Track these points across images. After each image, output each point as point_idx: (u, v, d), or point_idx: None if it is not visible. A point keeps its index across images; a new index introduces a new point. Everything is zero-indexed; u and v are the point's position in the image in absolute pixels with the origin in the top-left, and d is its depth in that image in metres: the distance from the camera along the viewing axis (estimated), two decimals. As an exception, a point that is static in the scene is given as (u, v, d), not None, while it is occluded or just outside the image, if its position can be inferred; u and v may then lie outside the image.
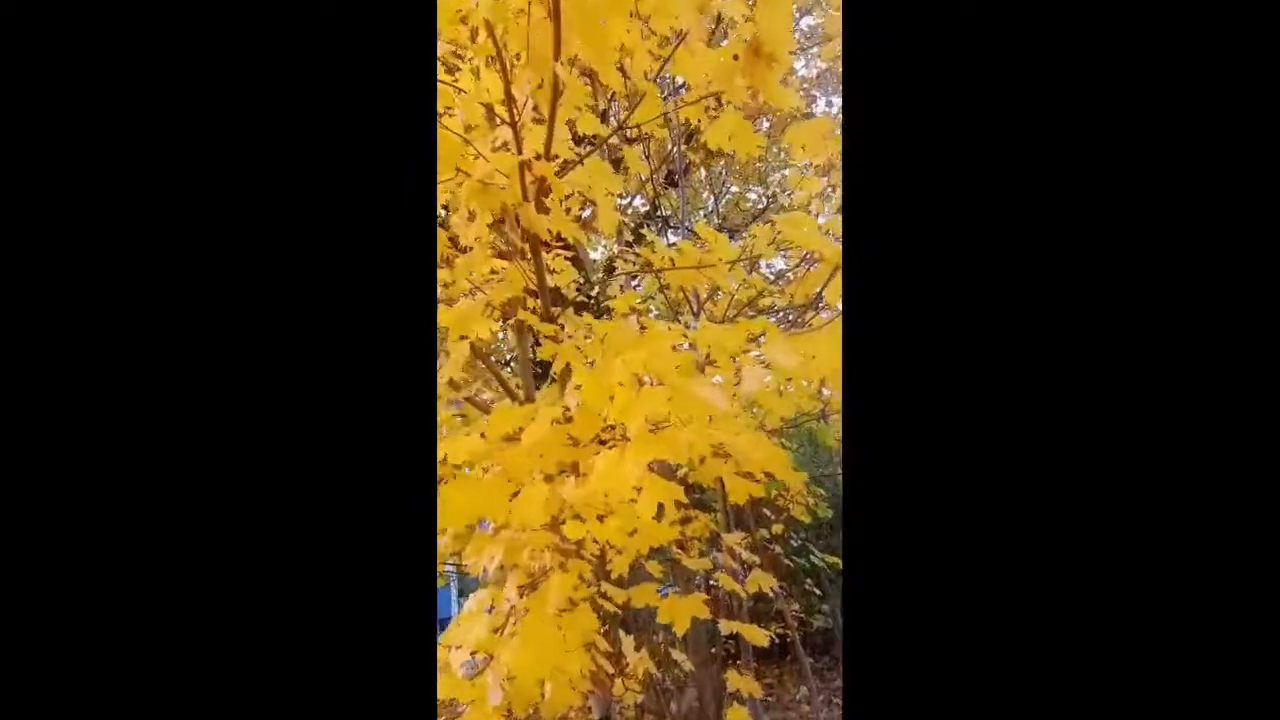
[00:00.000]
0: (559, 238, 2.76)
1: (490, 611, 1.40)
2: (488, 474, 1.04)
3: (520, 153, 1.17)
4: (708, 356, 1.21)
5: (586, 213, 3.38)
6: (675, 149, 2.93)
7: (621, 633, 1.54)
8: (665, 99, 2.73)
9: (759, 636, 1.28)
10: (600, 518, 1.01)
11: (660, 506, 0.87)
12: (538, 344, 1.54)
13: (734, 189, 6.19)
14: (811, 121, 1.20)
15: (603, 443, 1.21)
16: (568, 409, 1.05)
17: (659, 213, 3.28)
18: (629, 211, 3.47)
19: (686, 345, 1.45)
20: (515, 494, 1.02)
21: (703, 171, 5.52)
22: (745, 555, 2.22)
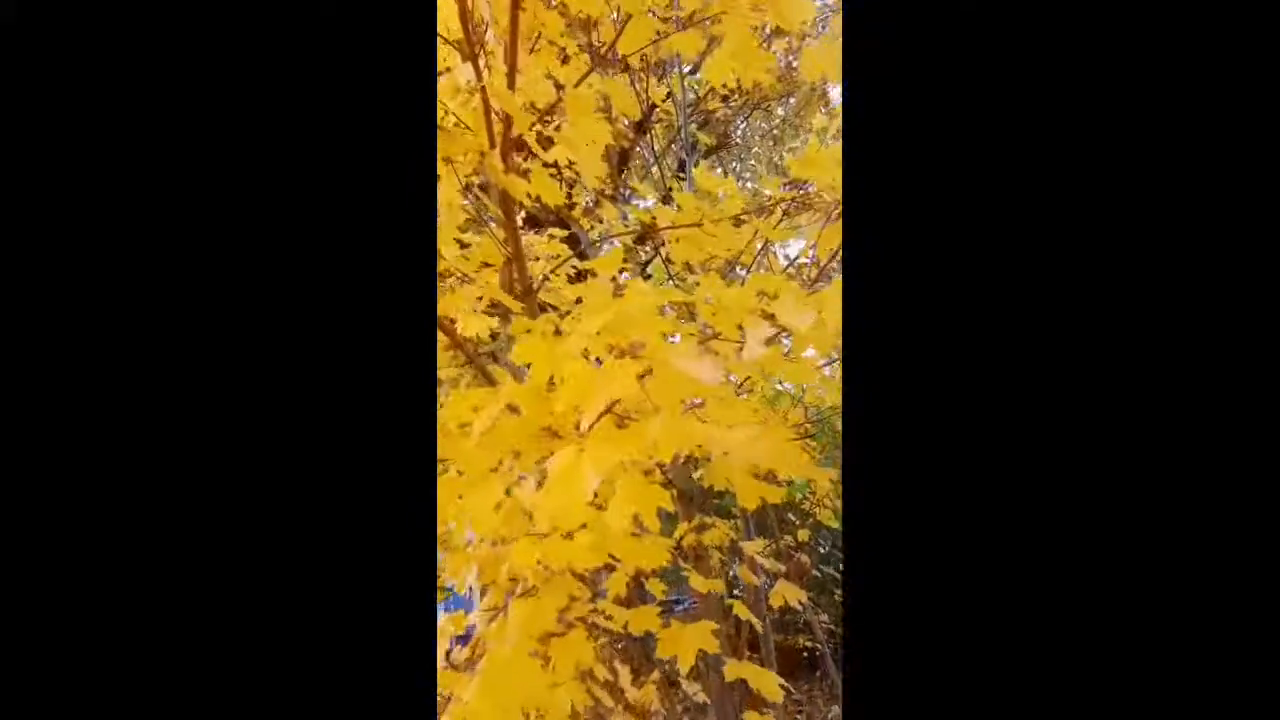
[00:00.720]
0: (556, 219, 2.56)
1: (463, 641, 1.20)
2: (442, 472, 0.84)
3: (481, 80, 0.97)
4: (712, 329, 1.00)
5: (590, 201, 3.19)
6: (683, 131, 2.73)
7: (618, 663, 1.33)
8: (671, 70, 2.53)
9: (773, 689, 1.05)
10: (569, 534, 0.80)
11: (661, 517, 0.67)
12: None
13: (751, 185, 5.98)
14: (834, 44, 0.98)
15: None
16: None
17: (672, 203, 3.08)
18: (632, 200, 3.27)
19: (696, 319, 1.23)
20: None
21: (719, 168, 5.31)
22: (768, 565, 2.00)
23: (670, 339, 0.84)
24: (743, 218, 1.17)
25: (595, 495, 0.93)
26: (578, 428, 0.85)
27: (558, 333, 0.88)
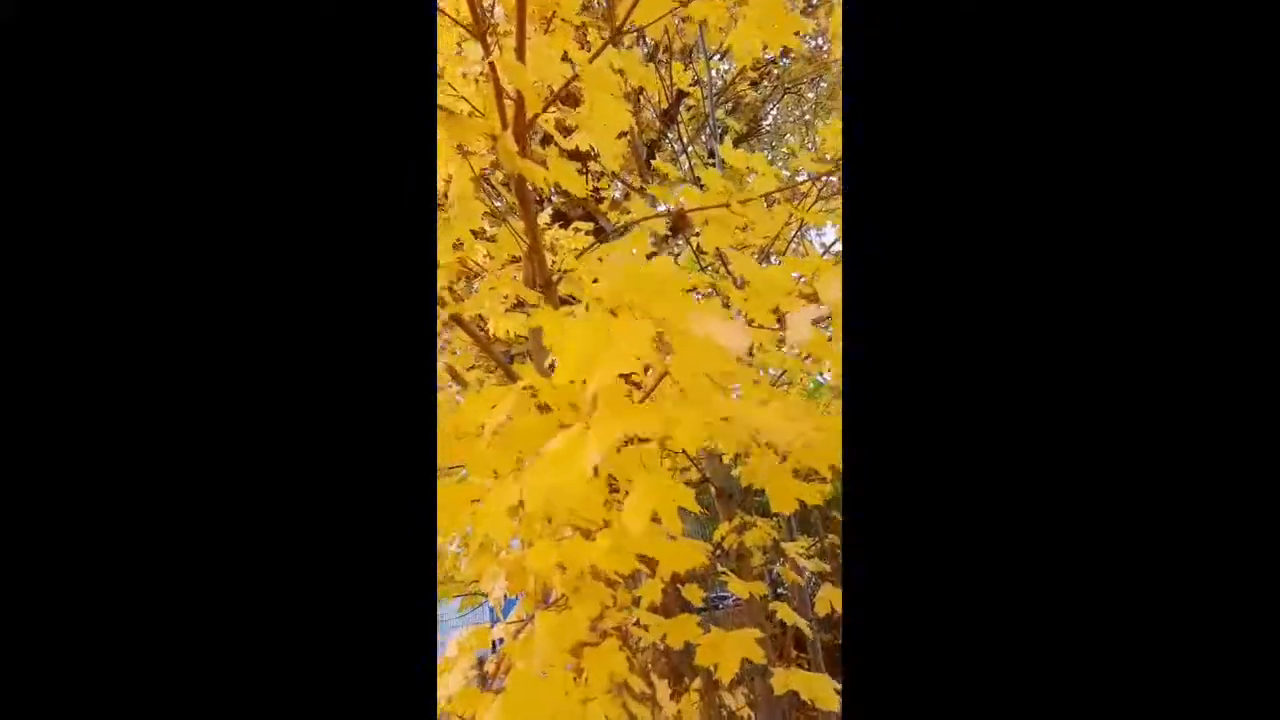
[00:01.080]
0: (584, 214, 2.50)
1: (482, 661, 1.14)
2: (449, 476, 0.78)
3: (489, 56, 0.91)
4: (744, 315, 0.92)
5: (619, 195, 3.13)
6: (711, 118, 2.64)
7: (655, 677, 1.25)
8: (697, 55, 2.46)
9: (828, 696, 0.96)
10: (589, 533, 0.73)
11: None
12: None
13: (786, 172, 5.83)
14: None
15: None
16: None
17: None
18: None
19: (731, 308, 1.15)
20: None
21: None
22: (811, 566, 1.90)
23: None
24: (775, 197, 1.09)
25: (614, 494, 0.86)
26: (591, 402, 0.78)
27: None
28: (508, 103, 1.01)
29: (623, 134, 1.28)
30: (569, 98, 1.35)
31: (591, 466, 0.45)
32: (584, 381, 0.49)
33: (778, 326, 0.86)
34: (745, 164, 1.02)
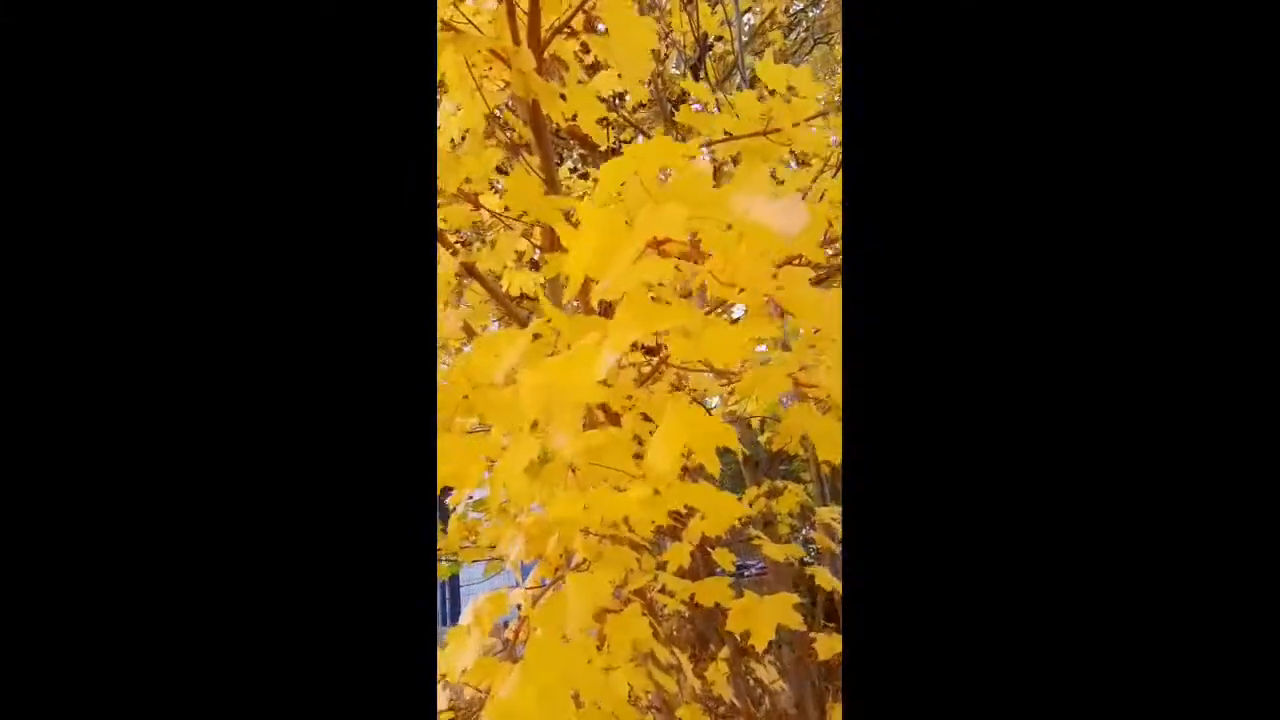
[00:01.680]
0: (602, 152, 2.38)
1: (506, 624, 1.08)
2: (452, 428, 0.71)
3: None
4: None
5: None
6: (740, 62, 2.50)
7: (677, 649, 1.19)
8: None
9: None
10: (620, 489, 0.65)
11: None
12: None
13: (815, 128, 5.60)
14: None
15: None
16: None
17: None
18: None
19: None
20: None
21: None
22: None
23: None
24: (819, 121, 0.98)
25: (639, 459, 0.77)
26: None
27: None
28: (520, 18, 0.91)
29: (648, 80, 1.17)
30: (587, 26, 1.24)
31: (605, 367, 0.37)
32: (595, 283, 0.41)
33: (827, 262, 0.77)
34: (786, 81, 0.91)
